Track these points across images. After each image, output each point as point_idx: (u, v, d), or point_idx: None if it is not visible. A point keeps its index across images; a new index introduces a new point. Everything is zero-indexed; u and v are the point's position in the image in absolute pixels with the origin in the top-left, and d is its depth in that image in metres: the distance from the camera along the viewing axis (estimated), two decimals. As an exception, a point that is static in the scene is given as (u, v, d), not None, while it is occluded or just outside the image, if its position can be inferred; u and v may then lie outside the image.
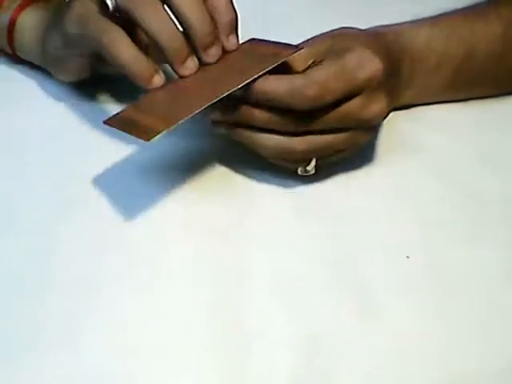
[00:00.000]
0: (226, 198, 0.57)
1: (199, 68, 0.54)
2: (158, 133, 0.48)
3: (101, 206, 0.56)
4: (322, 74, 0.52)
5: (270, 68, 0.52)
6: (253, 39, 0.57)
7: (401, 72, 0.59)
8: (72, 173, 0.58)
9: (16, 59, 0.67)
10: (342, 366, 0.48)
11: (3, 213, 0.56)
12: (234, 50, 0.55)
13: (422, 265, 0.53)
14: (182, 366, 0.48)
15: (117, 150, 0.60)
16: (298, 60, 0.54)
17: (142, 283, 0.52)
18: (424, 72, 0.61)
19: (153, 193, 0.57)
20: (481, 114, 0.64)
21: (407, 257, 0.54)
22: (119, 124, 0.52)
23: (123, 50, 0.53)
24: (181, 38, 0.53)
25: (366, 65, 0.53)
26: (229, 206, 0.56)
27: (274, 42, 0.55)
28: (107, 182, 0.57)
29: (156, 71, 0.54)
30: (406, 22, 0.61)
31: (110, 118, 0.53)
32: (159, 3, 0.53)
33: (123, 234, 0.54)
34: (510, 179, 0.59)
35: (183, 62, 0.53)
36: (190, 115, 0.49)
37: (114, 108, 0.62)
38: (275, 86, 0.51)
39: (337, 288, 0.52)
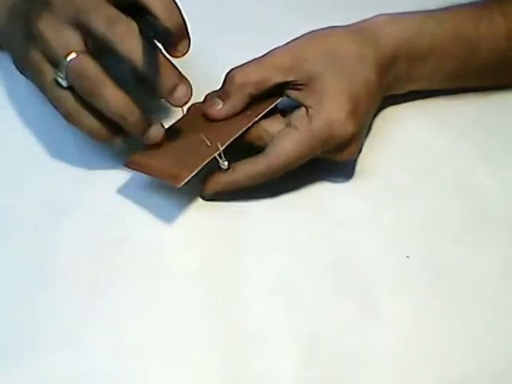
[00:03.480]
0: (226, 199, 0.57)
1: (198, 117, 0.56)
2: (186, 179, 0.51)
3: (101, 207, 0.56)
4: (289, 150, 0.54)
5: (269, 109, 0.55)
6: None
7: (398, 69, 0.59)
8: (72, 173, 0.58)
9: None
10: (342, 366, 0.48)
11: (3, 213, 0.56)
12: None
13: (422, 265, 0.53)
14: (182, 367, 0.48)
15: (117, 151, 0.59)
16: (277, 73, 0.55)
17: (142, 284, 0.52)
18: (424, 68, 0.61)
19: (153, 194, 0.57)
20: (481, 114, 0.64)
21: (407, 257, 0.54)
22: (141, 168, 0.54)
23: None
24: (136, 111, 0.52)
25: (336, 133, 0.54)
26: (228, 207, 0.56)
27: None
28: (108, 183, 0.57)
29: (151, 123, 0.53)
30: (412, 14, 0.61)
31: (130, 162, 0.55)
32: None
33: (123, 235, 0.54)
34: (510, 179, 0.59)
35: (144, 132, 0.53)
36: (209, 159, 0.53)
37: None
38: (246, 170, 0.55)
39: (337, 288, 0.52)
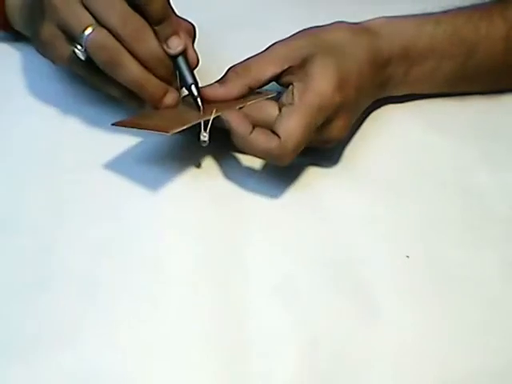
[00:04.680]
0: (226, 199, 0.57)
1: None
2: (177, 129, 0.52)
3: (100, 206, 0.56)
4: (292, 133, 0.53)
5: (263, 99, 0.57)
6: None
7: (395, 69, 0.60)
8: (72, 174, 0.58)
9: (6, 30, 0.65)
10: (343, 367, 0.48)
11: (3, 213, 0.56)
12: None
13: (422, 265, 0.54)
14: (183, 367, 0.48)
15: (117, 152, 0.59)
16: (273, 64, 0.56)
17: (141, 284, 0.52)
18: (422, 70, 0.61)
19: (152, 194, 0.57)
20: (481, 115, 0.64)
21: (407, 257, 0.54)
22: (131, 125, 0.55)
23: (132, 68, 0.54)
24: (154, 80, 0.55)
25: (324, 104, 0.54)
26: (228, 207, 0.56)
27: None
28: (108, 184, 0.57)
29: (167, 90, 0.56)
30: (411, 16, 0.61)
31: (119, 122, 0.55)
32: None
33: (123, 235, 0.54)
34: (510, 179, 0.59)
35: (162, 99, 0.56)
36: (201, 120, 0.54)
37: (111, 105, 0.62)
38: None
39: (337, 288, 0.52)
